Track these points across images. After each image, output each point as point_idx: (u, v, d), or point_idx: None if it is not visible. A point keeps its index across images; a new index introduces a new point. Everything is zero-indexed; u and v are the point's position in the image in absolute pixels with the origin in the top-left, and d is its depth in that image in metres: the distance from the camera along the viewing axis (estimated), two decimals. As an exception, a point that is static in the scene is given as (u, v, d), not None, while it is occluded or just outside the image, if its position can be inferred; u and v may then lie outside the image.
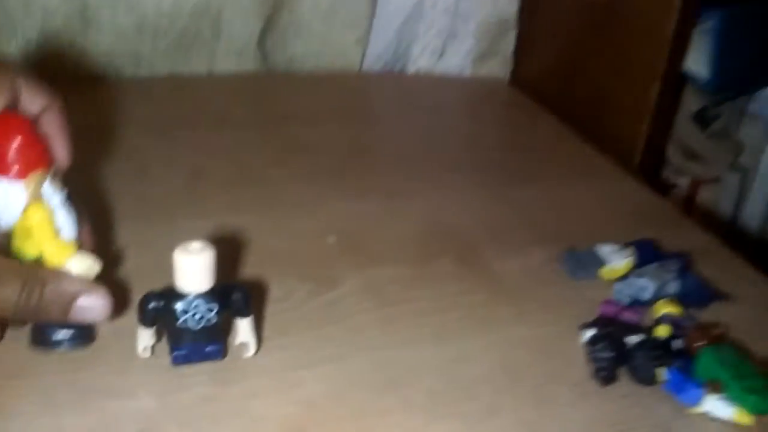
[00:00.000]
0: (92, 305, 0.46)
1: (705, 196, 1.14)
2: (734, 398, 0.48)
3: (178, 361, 0.49)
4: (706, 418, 0.49)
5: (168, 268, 0.47)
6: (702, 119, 1.09)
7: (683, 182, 1.11)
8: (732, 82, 0.96)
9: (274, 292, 0.58)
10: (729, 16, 0.86)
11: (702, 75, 0.89)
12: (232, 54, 0.98)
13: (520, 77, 1.07)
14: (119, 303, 0.49)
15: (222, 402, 0.47)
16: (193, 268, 0.46)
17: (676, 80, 0.85)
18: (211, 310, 0.48)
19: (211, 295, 0.47)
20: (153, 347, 0.50)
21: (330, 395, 0.49)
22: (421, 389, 0.50)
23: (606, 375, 0.51)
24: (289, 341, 0.53)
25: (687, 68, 0.89)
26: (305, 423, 0.46)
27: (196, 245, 0.47)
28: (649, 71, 0.82)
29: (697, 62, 0.88)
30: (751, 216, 1.24)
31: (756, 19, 0.90)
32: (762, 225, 1.25)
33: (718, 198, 1.17)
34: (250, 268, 0.61)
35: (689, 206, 1.10)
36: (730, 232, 1.22)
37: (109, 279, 0.56)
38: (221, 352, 0.50)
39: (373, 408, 0.48)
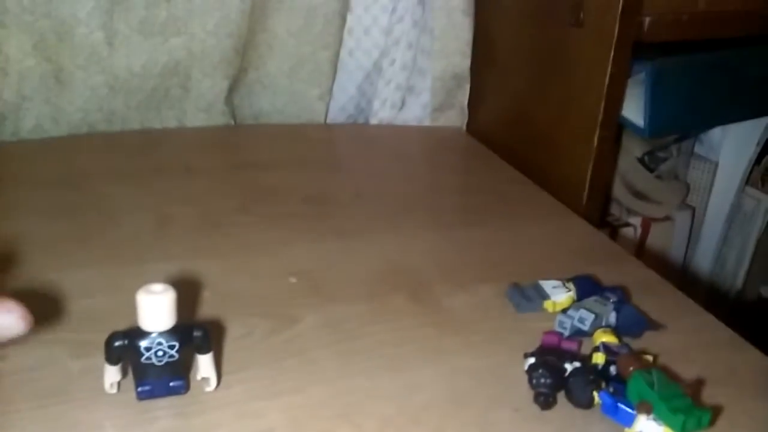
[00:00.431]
0: (6, 322, 0.44)
1: (657, 235, 1.19)
2: (663, 418, 0.52)
3: (143, 395, 0.52)
4: (640, 437, 0.53)
5: (134, 310, 0.51)
6: (649, 161, 1.15)
7: (635, 221, 1.16)
8: (665, 128, 1.02)
9: (237, 330, 0.62)
10: (659, 68, 0.93)
11: (637, 122, 0.95)
12: (200, 110, 1.03)
13: (476, 125, 1.12)
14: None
15: (185, 433, 0.50)
16: (155, 308, 0.50)
17: (615, 128, 0.90)
18: (173, 347, 0.51)
19: (172, 333, 0.51)
20: (119, 383, 0.53)
21: (288, 425, 0.52)
22: (373, 416, 0.53)
23: (545, 399, 0.55)
24: (249, 375, 0.57)
25: (624, 116, 0.95)
26: (264, 451, 0.50)
27: (158, 287, 0.50)
28: (589, 119, 0.88)
29: (632, 111, 0.94)
30: (703, 255, 1.30)
31: (685, 69, 0.96)
32: (713, 264, 1.30)
33: (670, 236, 1.22)
34: (213, 308, 0.64)
35: (642, 242, 1.16)
36: (683, 271, 1.27)
37: (79, 323, 0.60)
38: (184, 386, 0.53)
39: (327, 435, 0.51)
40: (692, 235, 1.28)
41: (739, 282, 1.32)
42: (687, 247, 1.27)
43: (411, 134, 1.11)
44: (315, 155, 1.01)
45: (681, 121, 1.01)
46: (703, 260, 1.30)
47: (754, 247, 1.31)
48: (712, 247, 1.30)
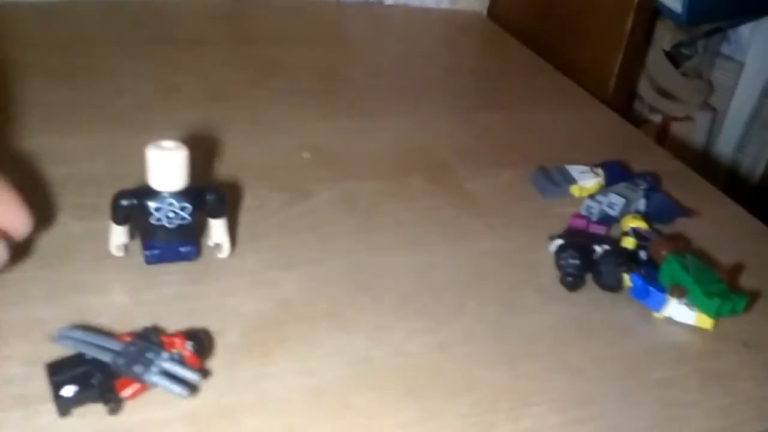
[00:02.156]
0: None
1: (677, 134, 1.15)
2: (696, 302, 0.50)
3: (151, 260, 0.49)
4: (669, 322, 0.51)
5: (138, 176, 0.47)
6: (676, 57, 1.10)
7: (656, 119, 1.12)
8: (703, 15, 0.96)
9: (249, 201, 0.59)
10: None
11: (675, 7, 0.89)
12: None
13: (497, 10, 1.06)
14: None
15: (196, 299, 0.48)
16: (166, 166, 0.46)
17: (650, 13, 0.85)
18: (185, 209, 0.48)
19: (184, 194, 0.48)
20: (126, 246, 0.50)
21: (305, 294, 0.50)
22: (392, 290, 0.51)
23: (572, 281, 0.53)
24: (263, 245, 0.54)
25: (661, 1, 0.90)
26: (281, 318, 0.47)
27: (169, 143, 0.47)
28: (622, 3, 0.83)
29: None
30: (721, 153, 1.26)
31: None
32: (732, 162, 1.27)
33: (689, 135, 1.18)
34: (224, 178, 0.61)
35: (662, 140, 1.12)
36: (701, 164, 1.24)
37: (80, 186, 0.57)
38: (195, 252, 0.50)
39: (346, 306, 0.49)
40: (710, 137, 1.24)
41: (751, 188, 1.30)
42: (705, 148, 1.24)
43: (428, 16, 1.05)
44: (327, 33, 0.96)
45: (719, 8, 0.95)
46: (719, 164, 1.27)
47: (770, 155, 1.28)
48: (729, 150, 1.27)
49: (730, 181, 1.29)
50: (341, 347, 0.46)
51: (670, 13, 0.91)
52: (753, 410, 0.46)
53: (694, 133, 1.19)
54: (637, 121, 1.08)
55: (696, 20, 0.96)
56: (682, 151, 1.17)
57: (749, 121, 1.24)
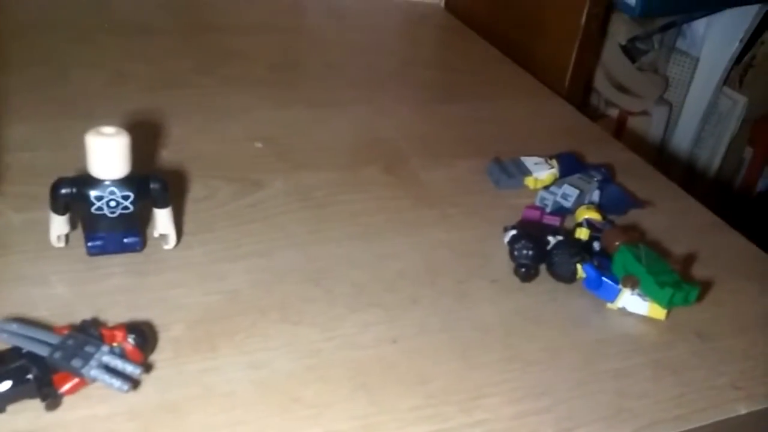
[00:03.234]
0: None
1: (633, 129, 1.16)
2: (649, 292, 0.50)
3: (93, 251, 0.47)
4: (623, 313, 0.51)
5: (82, 165, 0.46)
6: (632, 51, 1.11)
7: (613, 113, 1.12)
8: (658, 9, 0.97)
9: (198, 191, 0.57)
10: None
11: (629, 1, 0.89)
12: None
13: (455, 2, 1.06)
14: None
15: (140, 291, 0.46)
16: (106, 152, 0.45)
17: (604, 6, 0.85)
18: (127, 198, 0.46)
19: (126, 182, 0.46)
20: (67, 237, 0.48)
21: (254, 286, 0.48)
22: (345, 282, 0.50)
23: (526, 272, 0.52)
24: (212, 237, 0.52)
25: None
26: (229, 311, 0.46)
27: (109, 129, 0.45)
28: (578, -4, 0.83)
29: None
30: (677, 148, 1.28)
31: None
32: (688, 156, 1.28)
33: (646, 131, 1.19)
34: (172, 167, 0.59)
35: (619, 134, 1.13)
36: (658, 159, 1.25)
37: (21, 175, 0.55)
38: (140, 243, 0.49)
39: (297, 298, 0.48)
40: (667, 132, 1.25)
41: (708, 181, 1.31)
42: (662, 143, 1.25)
43: (386, 8, 1.03)
44: (283, 22, 0.94)
45: (673, 1, 0.96)
46: (675, 158, 1.28)
47: (725, 149, 1.29)
48: (686, 144, 1.28)
49: (687, 175, 1.31)
50: (291, 340, 0.45)
51: (623, 6, 0.92)
52: (705, 400, 0.46)
53: (651, 127, 1.20)
54: (594, 116, 1.08)
55: (649, 13, 0.96)
56: (639, 145, 1.17)
57: (705, 115, 1.25)
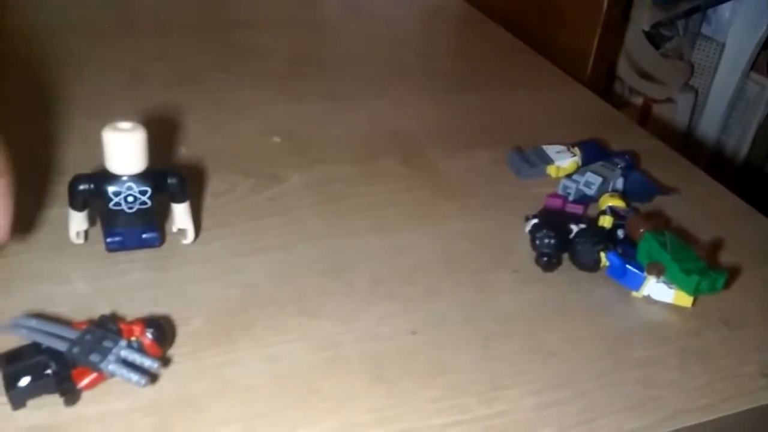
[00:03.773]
0: None
1: (659, 115, 1.14)
2: (674, 279, 0.49)
3: (113, 247, 0.48)
4: (648, 301, 0.50)
5: (102, 163, 0.46)
6: (656, 38, 1.09)
7: (637, 101, 1.11)
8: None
9: (216, 186, 0.57)
10: None
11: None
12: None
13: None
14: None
15: (159, 286, 0.46)
16: (123, 148, 0.45)
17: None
18: (145, 193, 0.46)
19: (144, 177, 0.46)
20: (87, 234, 0.48)
21: (272, 280, 0.48)
22: (363, 275, 0.50)
23: (548, 261, 0.51)
24: (230, 231, 0.52)
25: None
26: (247, 304, 0.46)
27: (126, 124, 0.45)
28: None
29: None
30: (704, 135, 1.26)
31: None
32: (716, 143, 1.26)
33: (671, 119, 1.17)
34: (190, 164, 0.59)
35: (644, 122, 1.11)
36: (685, 146, 1.23)
37: (42, 173, 0.55)
38: (158, 238, 0.48)
39: (315, 291, 0.48)
40: (693, 119, 1.23)
41: (736, 169, 1.29)
42: (687, 130, 1.23)
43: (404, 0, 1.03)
44: (300, 17, 0.94)
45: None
46: (702, 145, 1.26)
47: (753, 136, 1.27)
48: (712, 132, 1.26)
49: (715, 162, 1.28)
50: (309, 333, 0.44)
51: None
52: (733, 388, 0.45)
53: (677, 115, 1.18)
54: (618, 104, 1.06)
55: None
56: (664, 133, 1.15)
57: (731, 101, 1.23)
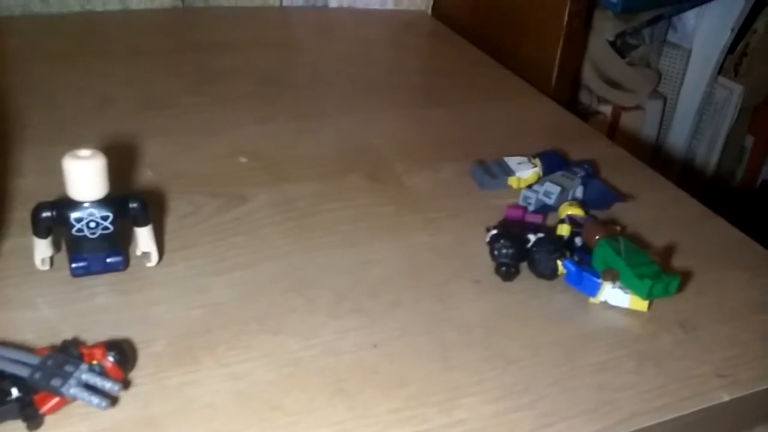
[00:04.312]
0: None
1: (627, 124, 1.16)
2: (628, 284, 0.50)
3: (78, 272, 0.48)
4: (605, 307, 0.51)
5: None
6: (622, 47, 1.11)
7: (606, 110, 1.13)
8: (640, 3, 0.97)
9: (182, 208, 0.58)
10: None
11: (612, -2, 0.90)
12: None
13: (441, 8, 1.07)
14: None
15: (123, 310, 0.47)
16: (83, 175, 0.46)
17: (587, 2, 0.85)
18: (107, 219, 0.47)
19: (105, 203, 0.47)
20: (52, 259, 0.49)
21: (236, 299, 0.49)
22: (327, 290, 0.50)
23: (507, 270, 0.52)
24: (195, 252, 0.53)
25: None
26: (210, 324, 0.47)
27: (85, 152, 0.46)
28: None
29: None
30: (675, 141, 1.27)
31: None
32: (687, 149, 1.28)
33: (640, 126, 1.19)
34: (156, 187, 0.60)
35: (612, 131, 1.13)
36: (656, 153, 1.25)
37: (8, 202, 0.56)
38: (123, 262, 0.49)
39: (279, 308, 0.48)
40: (662, 125, 1.25)
41: (709, 174, 1.31)
42: (657, 137, 1.24)
43: (373, 17, 1.04)
44: (270, 39, 0.95)
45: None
46: (673, 152, 1.28)
47: (724, 140, 1.29)
48: (683, 138, 1.28)
49: (687, 168, 1.30)
50: (271, 350, 0.45)
51: (606, 2, 0.92)
52: (689, 389, 0.46)
53: (646, 122, 1.20)
54: (586, 113, 1.08)
55: (631, 9, 0.97)
56: (634, 141, 1.17)
57: (700, 107, 1.25)
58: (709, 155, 1.31)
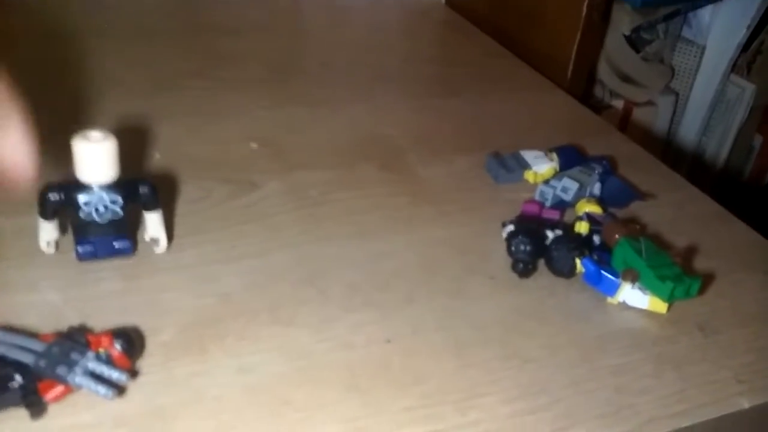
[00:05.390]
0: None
1: (639, 119, 1.15)
2: (649, 286, 0.49)
3: (83, 256, 0.47)
4: (623, 307, 0.50)
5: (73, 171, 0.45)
6: (636, 41, 1.09)
7: (618, 104, 1.11)
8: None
9: (192, 193, 0.56)
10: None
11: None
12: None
13: (456, -3, 1.05)
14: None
15: (130, 296, 0.46)
16: (93, 157, 0.44)
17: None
18: (116, 203, 0.46)
19: (114, 187, 0.45)
20: (57, 243, 0.48)
21: (246, 288, 0.48)
22: (339, 282, 0.49)
23: (523, 267, 0.51)
24: (205, 238, 0.52)
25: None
26: (220, 313, 0.45)
27: (96, 134, 0.45)
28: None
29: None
30: (685, 137, 1.26)
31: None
32: (697, 146, 1.27)
33: (652, 121, 1.18)
34: (165, 171, 0.59)
35: (624, 126, 1.11)
36: (666, 149, 1.23)
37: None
38: (131, 247, 0.48)
39: (290, 299, 0.47)
40: (673, 122, 1.24)
41: (717, 171, 1.29)
42: (668, 133, 1.23)
43: (386, 5, 1.03)
44: (281, 23, 0.93)
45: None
46: (683, 147, 1.27)
47: (734, 138, 1.27)
48: (693, 133, 1.26)
49: (696, 165, 1.29)
50: (282, 342, 0.44)
51: (625, -4, 0.90)
52: (708, 395, 0.45)
53: (658, 118, 1.18)
54: (599, 107, 1.07)
55: (651, 3, 0.95)
56: (645, 136, 1.16)
57: (712, 104, 1.23)
58: (718, 152, 1.29)
